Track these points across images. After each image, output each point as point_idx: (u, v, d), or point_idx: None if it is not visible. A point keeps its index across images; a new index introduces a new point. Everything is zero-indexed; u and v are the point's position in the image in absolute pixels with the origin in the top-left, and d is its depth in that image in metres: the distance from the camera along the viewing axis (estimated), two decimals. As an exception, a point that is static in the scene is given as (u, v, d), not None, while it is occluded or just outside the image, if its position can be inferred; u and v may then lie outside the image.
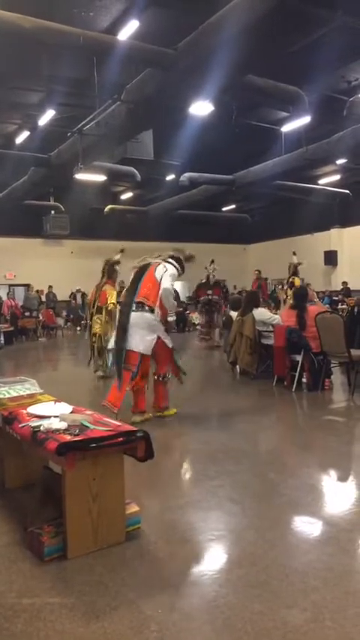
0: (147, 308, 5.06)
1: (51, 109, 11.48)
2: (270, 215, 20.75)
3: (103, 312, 7.82)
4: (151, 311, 5.07)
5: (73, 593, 2.24)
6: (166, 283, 5.11)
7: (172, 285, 5.19)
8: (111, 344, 5.38)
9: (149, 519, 2.88)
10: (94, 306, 8.02)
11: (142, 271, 5.29)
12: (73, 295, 18.52)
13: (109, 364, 7.11)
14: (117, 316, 5.46)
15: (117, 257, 7.83)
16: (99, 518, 2.56)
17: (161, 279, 5.14)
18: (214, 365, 9.99)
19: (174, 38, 7.73)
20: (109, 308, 7.69)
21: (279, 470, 3.89)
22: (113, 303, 7.60)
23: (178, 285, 7.84)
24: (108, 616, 2.09)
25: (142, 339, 5.02)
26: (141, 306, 5.07)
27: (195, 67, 7.69)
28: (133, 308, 5.08)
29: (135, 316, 5.04)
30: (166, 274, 5.16)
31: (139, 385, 5.23)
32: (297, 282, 10.23)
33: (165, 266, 5.26)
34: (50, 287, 18.37)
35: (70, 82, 10.11)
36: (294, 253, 12.00)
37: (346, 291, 17.39)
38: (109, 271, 7.93)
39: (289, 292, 9.84)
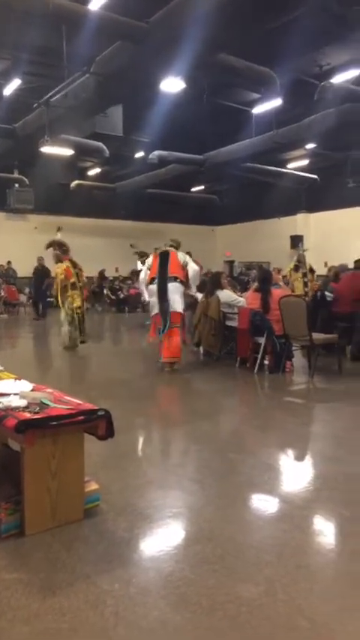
0: (179, 280, 6.73)
1: (17, 77, 11.07)
2: (239, 197, 20.75)
3: (77, 287, 8.60)
4: (182, 283, 6.77)
5: (30, 570, 2.24)
6: (194, 266, 6.99)
7: None
8: (155, 309, 6.80)
9: (109, 497, 2.90)
10: (79, 281, 8.74)
11: (164, 256, 6.80)
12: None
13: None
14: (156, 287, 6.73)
15: (59, 237, 8.93)
16: (58, 495, 2.56)
17: (186, 263, 6.88)
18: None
19: (146, 11, 7.55)
20: (72, 281, 8.61)
21: (238, 449, 3.96)
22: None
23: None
24: (64, 591, 2.10)
25: (178, 302, 6.71)
26: (174, 279, 6.69)
27: (167, 42, 7.55)
28: (170, 280, 6.65)
29: (172, 286, 6.66)
30: (190, 260, 6.95)
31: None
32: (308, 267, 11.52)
33: (183, 254, 7.00)
34: (9, 262, 17.93)
35: (38, 51, 9.75)
36: (300, 246, 12.96)
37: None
38: (65, 250, 8.84)
39: (310, 276, 11.36)
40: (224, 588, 2.13)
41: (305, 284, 11.42)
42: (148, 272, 6.94)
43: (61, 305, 8.66)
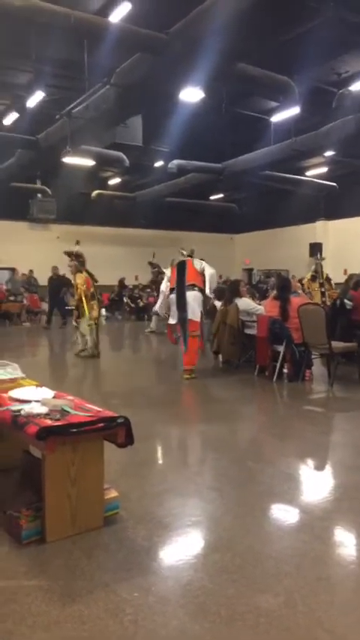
0: (197, 288, 6.81)
1: (40, 90, 11.29)
2: (257, 205, 20.73)
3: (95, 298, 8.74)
4: (201, 291, 6.84)
5: (50, 577, 2.26)
6: (211, 269, 6.99)
7: None
8: (174, 319, 6.91)
9: (128, 505, 2.91)
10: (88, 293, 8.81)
11: (182, 265, 6.91)
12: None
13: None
14: (174, 296, 6.88)
15: (77, 249, 8.82)
16: (77, 502, 2.58)
17: (203, 269, 6.96)
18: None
19: (166, 22, 7.64)
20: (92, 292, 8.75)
21: (257, 458, 3.95)
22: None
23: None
24: (84, 599, 2.11)
25: (197, 311, 6.78)
26: (192, 287, 6.78)
27: (186, 52, 7.63)
28: (189, 289, 6.75)
29: (190, 295, 6.74)
30: (206, 265, 7.03)
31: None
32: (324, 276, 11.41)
33: (199, 261, 7.12)
34: (31, 271, 18.16)
35: (60, 64, 9.96)
36: (318, 256, 12.93)
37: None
38: (83, 261, 8.93)
39: (328, 286, 11.37)
40: (243, 598, 2.12)
41: (323, 294, 11.35)
42: (169, 284, 7.08)
43: (85, 315, 8.68)
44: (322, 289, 11.50)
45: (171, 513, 2.91)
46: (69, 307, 13.36)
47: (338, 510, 3.03)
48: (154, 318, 13.23)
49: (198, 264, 7.00)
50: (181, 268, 6.90)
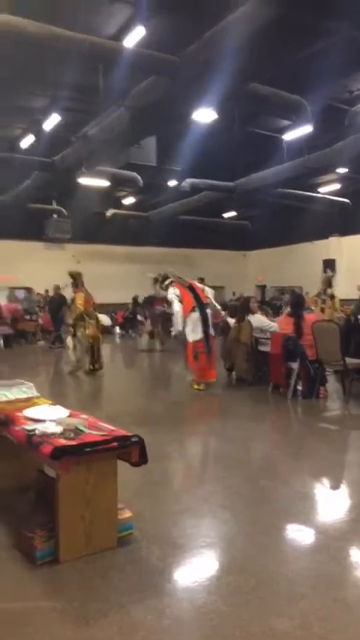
0: (208, 307, 7.43)
1: (56, 113, 11.53)
2: (270, 222, 20.79)
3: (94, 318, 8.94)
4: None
5: (64, 598, 2.26)
6: (209, 290, 8.10)
7: None
8: (198, 335, 7.22)
9: (142, 525, 2.90)
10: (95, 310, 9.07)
11: (191, 287, 7.44)
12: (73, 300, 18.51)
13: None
14: (197, 314, 7.27)
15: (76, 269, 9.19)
16: (91, 523, 2.58)
17: (204, 289, 7.84)
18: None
19: (179, 45, 7.79)
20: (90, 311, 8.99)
21: (271, 477, 3.91)
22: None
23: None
24: (98, 621, 2.11)
25: (212, 327, 7.44)
26: (207, 305, 7.40)
27: (199, 74, 7.75)
28: (205, 307, 7.34)
29: (208, 312, 7.39)
30: (206, 287, 8.02)
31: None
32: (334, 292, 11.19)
33: (199, 283, 8.03)
34: (46, 291, 18.32)
35: (75, 88, 10.16)
36: (326, 270, 12.80)
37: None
38: (77, 282, 9.10)
39: (329, 302, 11.06)
40: (258, 620, 2.10)
41: (322, 309, 11.11)
42: (181, 304, 7.24)
43: (75, 332, 8.98)
44: (322, 304, 11.27)
45: (185, 534, 2.89)
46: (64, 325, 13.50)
47: (354, 531, 2.98)
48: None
49: (200, 285, 7.70)
50: (191, 288, 7.39)
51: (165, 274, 7.88)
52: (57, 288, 14.79)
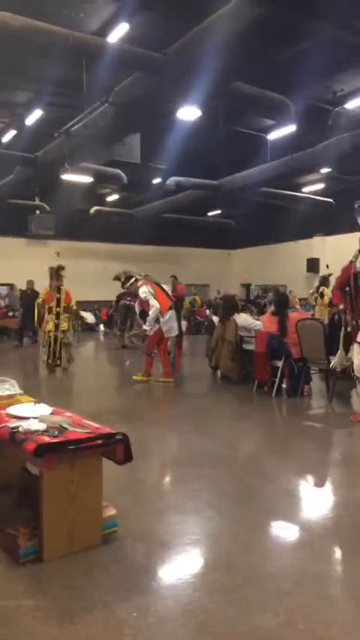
0: None
1: (39, 108, 11.43)
2: (254, 221, 20.86)
3: (67, 312, 8.95)
4: None
5: (48, 596, 2.24)
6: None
7: None
8: (174, 332, 7.80)
9: (127, 523, 2.88)
10: (58, 306, 8.91)
11: (160, 285, 7.76)
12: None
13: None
14: (172, 312, 7.61)
15: (60, 264, 9.09)
16: (76, 520, 2.56)
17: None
18: (196, 369, 10.01)
19: (163, 43, 7.76)
20: (74, 308, 9.09)
21: (257, 475, 3.92)
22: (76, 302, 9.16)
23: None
24: (82, 619, 2.08)
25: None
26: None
27: (183, 72, 7.73)
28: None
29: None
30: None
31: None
32: (326, 292, 10.93)
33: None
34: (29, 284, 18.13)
35: (59, 83, 10.06)
36: (327, 266, 12.84)
37: None
38: (57, 275, 9.01)
39: (320, 301, 11.07)
40: (244, 618, 2.10)
41: (313, 307, 11.27)
42: (157, 301, 7.47)
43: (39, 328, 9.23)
44: (314, 302, 11.36)
45: (170, 531, 2.88)
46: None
47: (339, 527, 3.00)
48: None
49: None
50: (161, 288, 7.78)
51: (128, 274, 8.00)
52: (30, 283, 14.33)
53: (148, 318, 7.47)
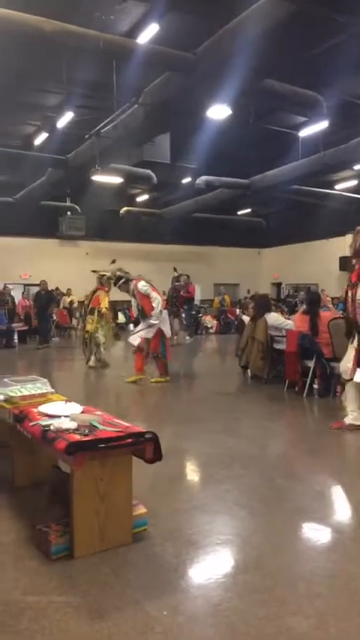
0: None
1: (69, 111, 11.58)
2: (285, 219, 20.69)
3: (95, 313, 9.25)
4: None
5: (79, 593, 2.26)
6: None
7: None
8: (168, 331, 7.75)
9: (156, 521, 2.89)
10: (88, 308, 9.49)
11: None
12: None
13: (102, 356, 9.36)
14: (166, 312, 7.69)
15: (108, 273, 8.90)
16: (106, 518, 2.58)
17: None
18: (226, 368, 9.99)
19: (193, 42, 7.77)
20: (102, 311, 9.25)
21: (287, 475, 3.88)
22: (106, 308, 9.31)
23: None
24: (112, 616, 2.10)
25: None
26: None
27: (214, 71, 7.72)
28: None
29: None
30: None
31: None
32: None
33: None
34: (57, 288, 18.40)
35: (89, 85, 10.19)
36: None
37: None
38: (101, 281, 9.36)
39: None
40: (274, 620, 2.08)
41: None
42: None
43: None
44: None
45: (200, 531, 2.88)
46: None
47: (372, 530, 2.95)
48: (180, 332, 13.44)
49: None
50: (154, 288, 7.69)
51: (119, 274, 7.81)
52: (44, 283, 14.28)
53: (154, 312, 7.26)
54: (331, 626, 2.04)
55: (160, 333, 7.43)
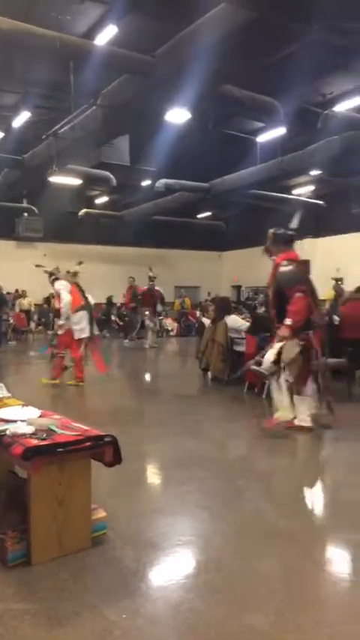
0: None
1: (26, 110, 11.38)
2: (245, 223, 20.90)
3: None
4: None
5: (37, 599, 2.22)
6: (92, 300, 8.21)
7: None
8: (85, 333, 7.67)
9: (116, 525, 2.87)
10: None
11: (80, 287, 7.80)
12: (46, 299, 18.25)
13: None
14: (85, 312, 7.65)
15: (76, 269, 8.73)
16: (64, 523, 2.54)
17: (90, 298, 8.03)
18: (187, 371, 10.02)
19: (152, 45, 7.77)
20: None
21: (246, 475, 3.92)
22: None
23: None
24: (71, 622, 2.07)
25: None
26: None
27: (172, 74, 7.74)
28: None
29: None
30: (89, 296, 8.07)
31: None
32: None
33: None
34: (16, 291, 18.07)
35: (47, 85, 10.04)
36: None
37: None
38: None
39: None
40: (234, 618, 2.09)
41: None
42: (70, 296, 7.55)
43: None
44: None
45: (160, 533, 2.87)
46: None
47: (330, 527, 3.01)
48: (150, 333, 13.36)
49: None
50: (81, 289, 7.79)
51: (51, 271, 7.94)
52: None
53: (62, 311, 7.47)
54: (290, 622, 2.07)
55: (70, 333, 7.52)
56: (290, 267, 5.01)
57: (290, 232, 5.46)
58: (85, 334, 7.64)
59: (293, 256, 5.21)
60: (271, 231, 5.37)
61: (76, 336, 7.57)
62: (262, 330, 6.59)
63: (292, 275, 4.97)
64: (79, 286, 7.82)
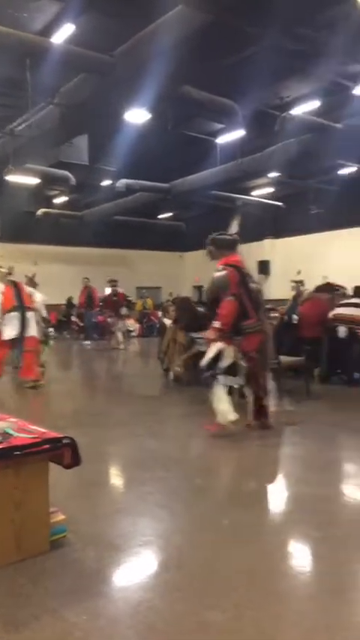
0: (33, 310, 7.51)
1: (-19, 108, 11.15)
2: (206, 224, 20.84)
3: None
4: (35, 312, 7.59)
5: (-7, 606, 2.18)
6: (41, 297, 7.91)
7: None
8: (13, 333, 7.31)
9: (76, 527, 2.85)
10: None
11: (16, 285, 7.49)
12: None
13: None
14: (16, 314, 7.34)
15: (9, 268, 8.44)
16: (22, 527, 2.51)
17: (32, 293, 7.77)
18: (148, 371, 10.01)
19: (111, 44, 7.73)
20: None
21: (206, 474, 3.96)
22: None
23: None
24: (30, 626, 2.05)
25: (35, 328, 7.46)
26: (29, 309, 7.41)
27: (131, 74, 7.72)
28: (28, 310, 7.37)
29: (30, 314, 7.38)
30: (34, 291, 7.87)
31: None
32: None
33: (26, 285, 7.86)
34: None
35: (2, 82, 9.86)
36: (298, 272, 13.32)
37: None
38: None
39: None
40: (192, 615, 2.11)
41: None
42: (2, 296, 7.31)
43: None
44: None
45: (121, 534, 2.86)
46: None
47: (288, 523, 3.07)
48: (119, 334, 13.28)
49: (29, 289, 7.77)
50: (17, 288, 7.47)
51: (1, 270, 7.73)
52: None
53: None
54: (246, 616, 2.10)
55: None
56: (224, 272, 5.04)
57: (231, 237, 5.50)
58: (11, 337, 7.27)
59: (234, 260, 5.24)
60: (212, 236, 5.44)
61: (3, 337, 7.26)
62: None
63: (225, 279, 5.00)
64: (16, 286, 7.51)
